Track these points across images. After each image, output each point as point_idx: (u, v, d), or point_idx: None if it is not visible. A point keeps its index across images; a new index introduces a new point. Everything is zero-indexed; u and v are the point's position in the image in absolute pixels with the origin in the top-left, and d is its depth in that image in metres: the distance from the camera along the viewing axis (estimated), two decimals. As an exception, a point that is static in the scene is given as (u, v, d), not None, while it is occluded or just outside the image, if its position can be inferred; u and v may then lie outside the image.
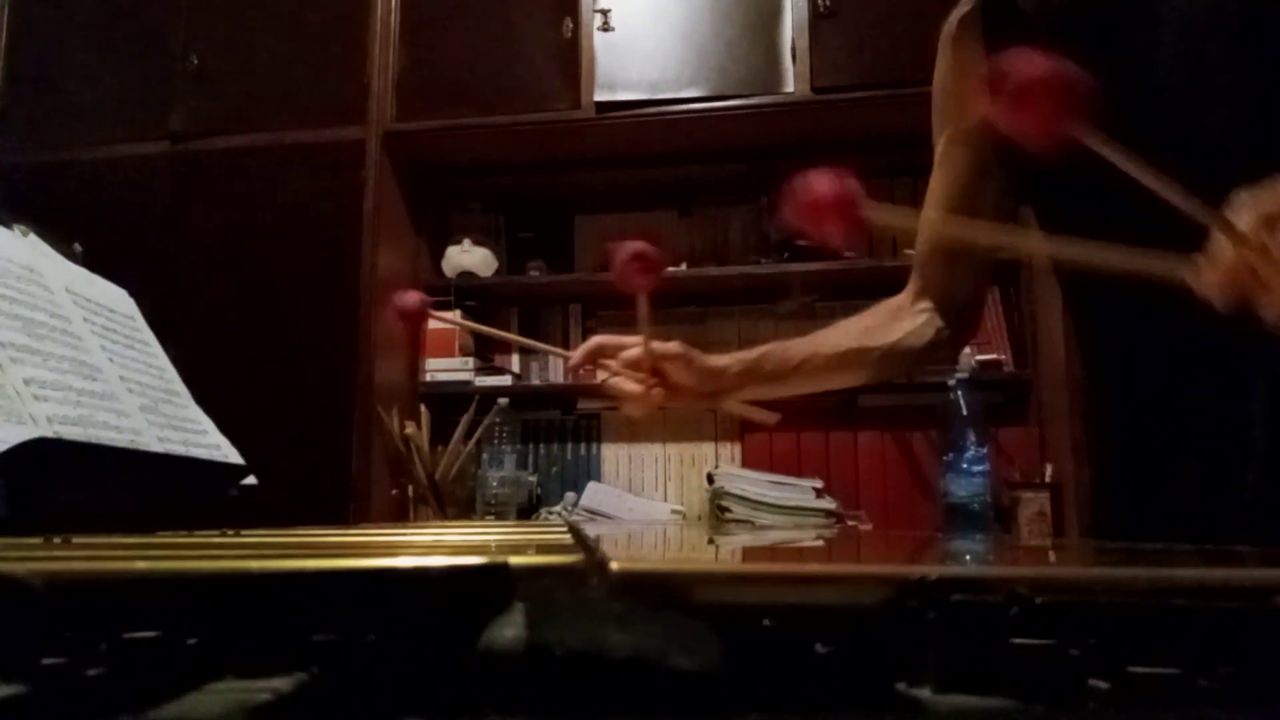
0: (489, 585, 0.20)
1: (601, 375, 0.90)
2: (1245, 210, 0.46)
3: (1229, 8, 0.68)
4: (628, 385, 0.87)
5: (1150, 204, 0.52)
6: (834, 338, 0.96)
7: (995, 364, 2.16)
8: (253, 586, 0.21)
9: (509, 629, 0.19)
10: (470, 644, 0.19)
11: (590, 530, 0.66)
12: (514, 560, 0.21)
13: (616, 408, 2.31)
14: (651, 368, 0.88)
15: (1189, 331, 0.61)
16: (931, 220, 0.94)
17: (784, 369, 0.93)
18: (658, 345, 0.87)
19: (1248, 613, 0.21)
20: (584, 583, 0.21)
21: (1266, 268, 0.44)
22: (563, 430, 2.39)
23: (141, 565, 0.23)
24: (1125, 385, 0.80)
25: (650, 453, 2.34)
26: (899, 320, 0.96)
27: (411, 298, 0.91)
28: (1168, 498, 0.77)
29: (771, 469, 2.13)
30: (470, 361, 2.34)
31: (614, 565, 0.21)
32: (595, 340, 0.92)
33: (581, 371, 2.42)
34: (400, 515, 2.15)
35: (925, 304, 0.96)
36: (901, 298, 1.00)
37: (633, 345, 0.89)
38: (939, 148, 0.95)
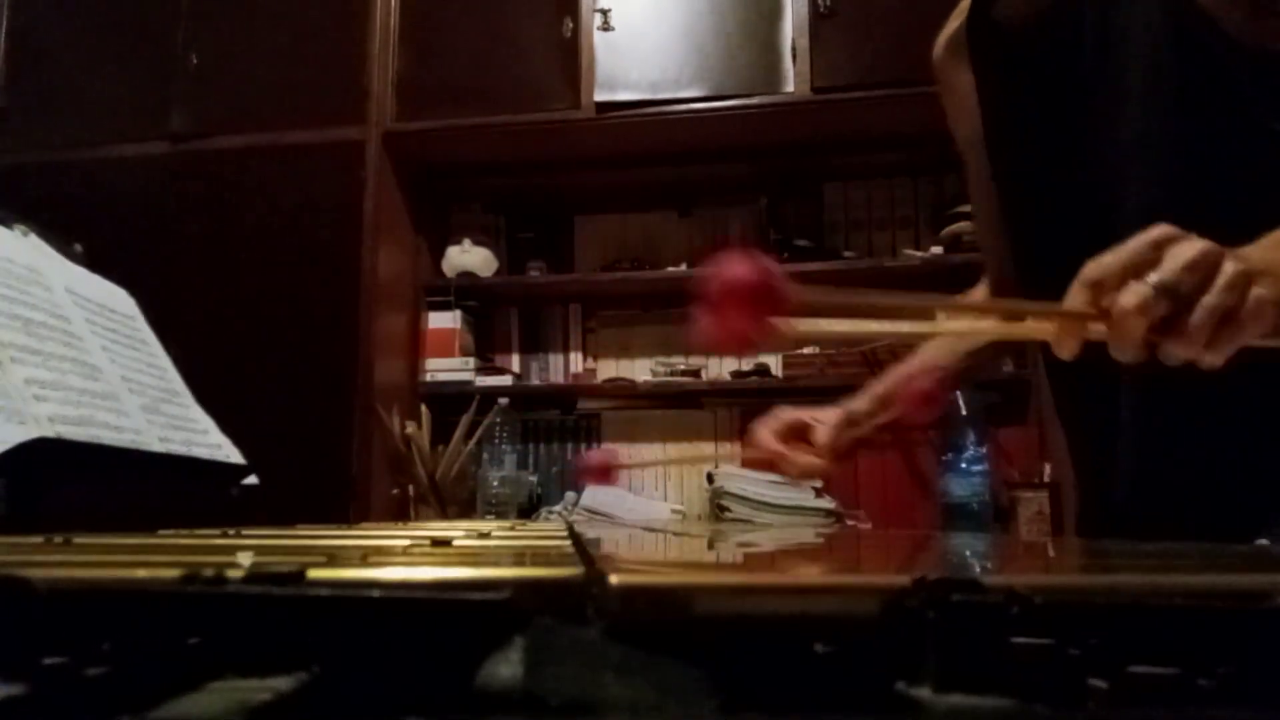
0: (490, 615, 0.20)
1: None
2: (1087, 278, 0.52)
3: (1166, 55, 0.71)
4: (808, 461, 0.89)
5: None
6: (939, 352, 0.99)
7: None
8: (253, 587, 0.21)
9: (505, 668, 0.19)
10: (468, 679, 0.19)
11: (590, 532, 0.66)
12: (512, 574, 0.21)
13: (617, 407, 2.31)
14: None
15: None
16: (984, 217, 0.95)
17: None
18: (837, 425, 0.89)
19: (1247, 613, 0.21)
20: (584, 598, 0.21)
21: (1112, 329, 0.50)
22: (563, 430, 2.39)
23: (142, 573, 0.23)
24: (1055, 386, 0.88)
25: (650, 453, 2.34)
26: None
27: (598, 459, 0.89)
28: (1090, 494, 0.82)
29: (771, 469, 2.13)
30: (470, 361, 2.34)
31: (614, 579, 0.21)
32: (780, 422, 0.92)
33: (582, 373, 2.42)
34: (401, 515, 2.15)
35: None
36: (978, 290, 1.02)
37: (815, 422, 0.90)
38: (964, 154, 0.97)
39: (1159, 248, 0.50)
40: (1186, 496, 0.72)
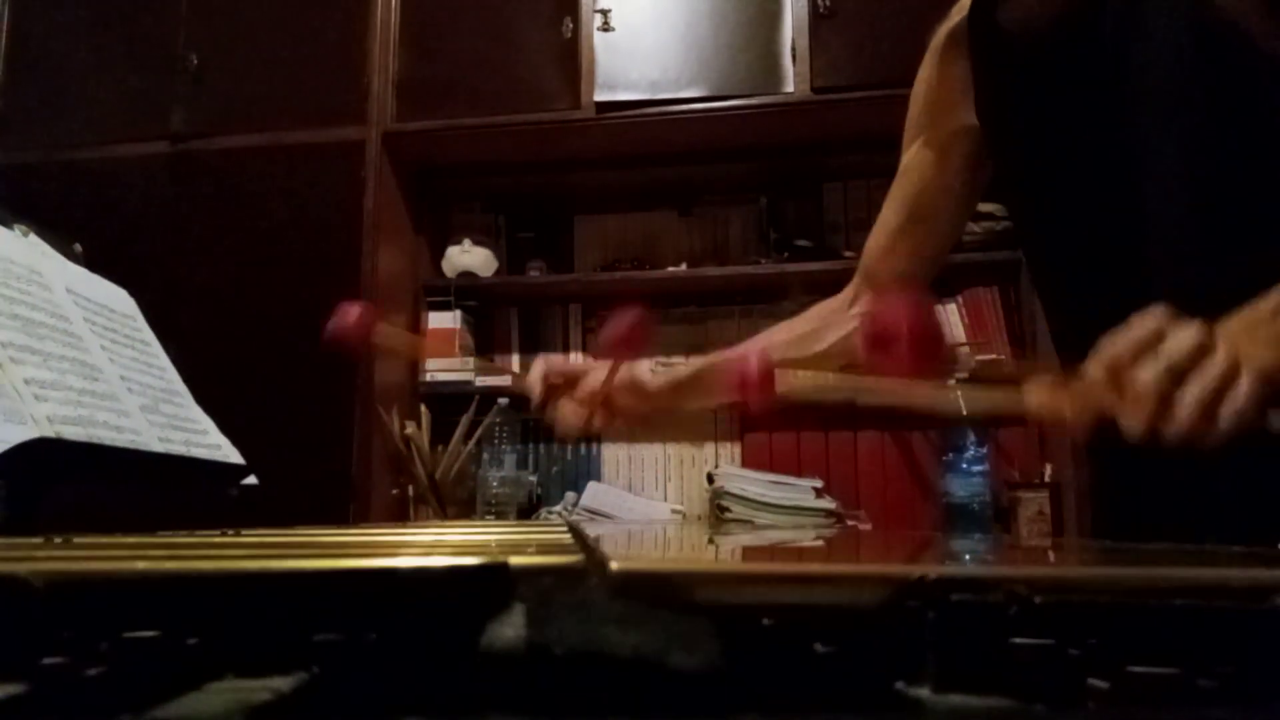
0: (489, 585, 0.20)
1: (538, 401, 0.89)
2: (1106, 358, 0.56)
3: (1188, 61, 0.70)
4: (571, 417, 0.88)
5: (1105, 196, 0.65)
6: (784, 340, 0.97)
7: (995, 363, 2.16)
8: (253, 586, 0.21)
9: (509, 629, 0.19)
10: (471, 643, 0.19)
11: (590, 530, 0.66)
12: (514, 560, 0.21)
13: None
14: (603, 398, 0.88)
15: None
16: (886, 222, 0.96)
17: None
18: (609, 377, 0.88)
19: (1246, 613, 0.21)
20: (584, 582, 0.21)
21: (1130, 405, 0.55)
22: (563, 430, 2.39)
23: (141, 565, 0.23)
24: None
25: (650, 453, 2.34)
26: (831, 327, 0.97)
27: (350, 314, 0.79)
28: (1124, 494, 0.82)
29: (771, 469, 2.13)
30: (470, 361, 2.34)
31: (614, 565, 0.21)
32: (543, 365, 0.91)
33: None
34: (400, 515, 2.15)
35: (861, 309, 0.97)
36: (840, 299, 1.00)
37: (582, 373, 0.89)
38: (908, 152, 0.97)
39: (1160, 329, 0.55)
40: (1209, 500, 0.71)
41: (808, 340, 0.96)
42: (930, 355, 0.53)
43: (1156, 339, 0.55)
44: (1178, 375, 0.54)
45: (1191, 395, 0.53)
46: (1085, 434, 0.58)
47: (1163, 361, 0.54)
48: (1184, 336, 0.55)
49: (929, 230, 0.95)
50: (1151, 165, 0.72)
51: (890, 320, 0.53)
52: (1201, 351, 0.54)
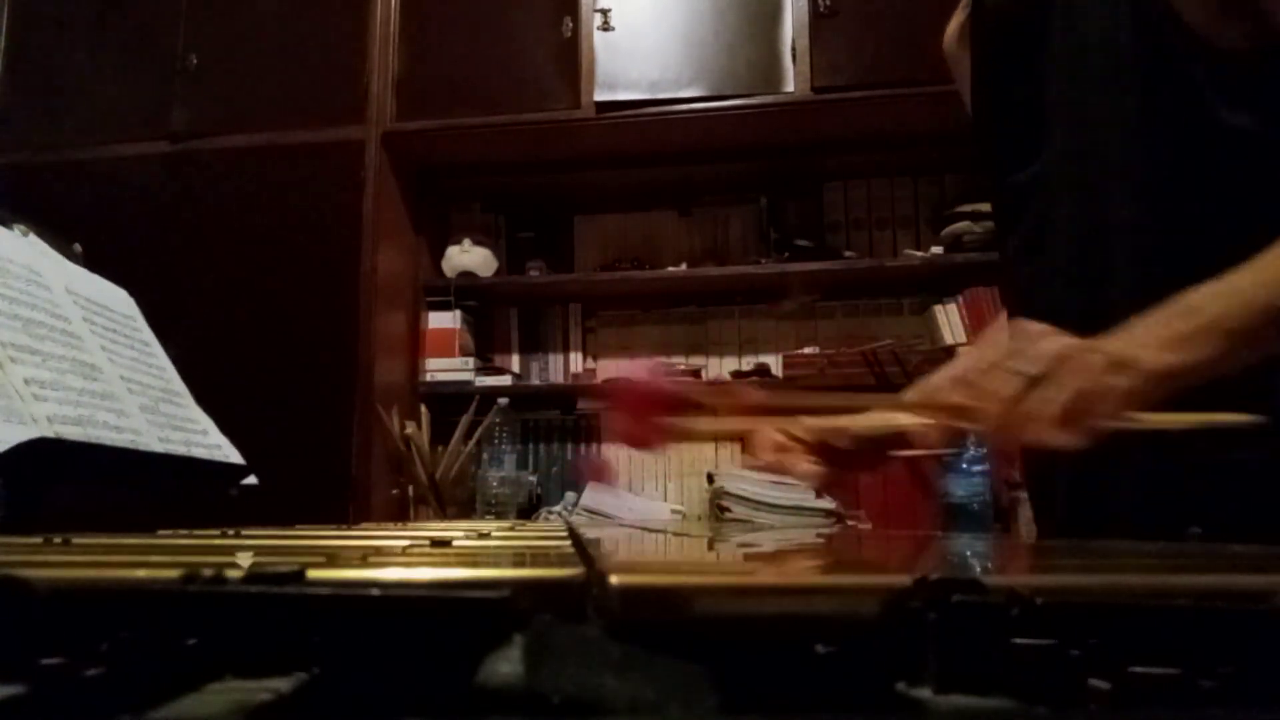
0: (489, 614, 0.20)
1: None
2: (959, 377, 0.60)
3: (1125, 44, 0.71)
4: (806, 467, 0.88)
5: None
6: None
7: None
8: (253, 587, 0.21)
9: (506, 665, 0.19)
10: (468, 676, 0.19)
11: (590, 532, 0.66)
12: (513, 574, 0.21)
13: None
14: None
15: None
16: None
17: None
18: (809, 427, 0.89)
19: (1248, 614, 0.21)
20: (584, 598, 0.21)
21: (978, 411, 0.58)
22: (563, 430, 2.39)
23: (141, 574, 0.23)
24: None
25: (650, 453, 2.34)
26: None
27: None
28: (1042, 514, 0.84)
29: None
30: (470, 361, 2.34)
31: (614, 580, 0.21)
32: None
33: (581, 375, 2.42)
34: (400, 515, 2.15)
35: None
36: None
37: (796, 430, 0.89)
38: None
39: (1030, 343, 0.57)
40: (1119, 503, 0.72)
41: None
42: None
43: (1021, 350, 0.57)
44: (1032, 381, 0.55)
45: (1047, 406, 0.55)
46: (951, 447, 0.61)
47: (1015, 369, 0.56)
48: (1047, 344, 0.57)
49: None
50: (1100, 150, 0.73)
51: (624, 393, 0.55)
52: (1061, 360, 0.56)
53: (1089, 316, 0.62)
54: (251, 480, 0.94)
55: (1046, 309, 0.68)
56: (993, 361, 0.58)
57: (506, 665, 0.19)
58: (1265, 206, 0.64)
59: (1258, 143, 0.66)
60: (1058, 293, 0.75)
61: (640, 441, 0.59)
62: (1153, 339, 0.58)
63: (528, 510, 2.21)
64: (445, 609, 0.20)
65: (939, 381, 0.64)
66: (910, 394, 0.68)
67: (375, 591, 0.21)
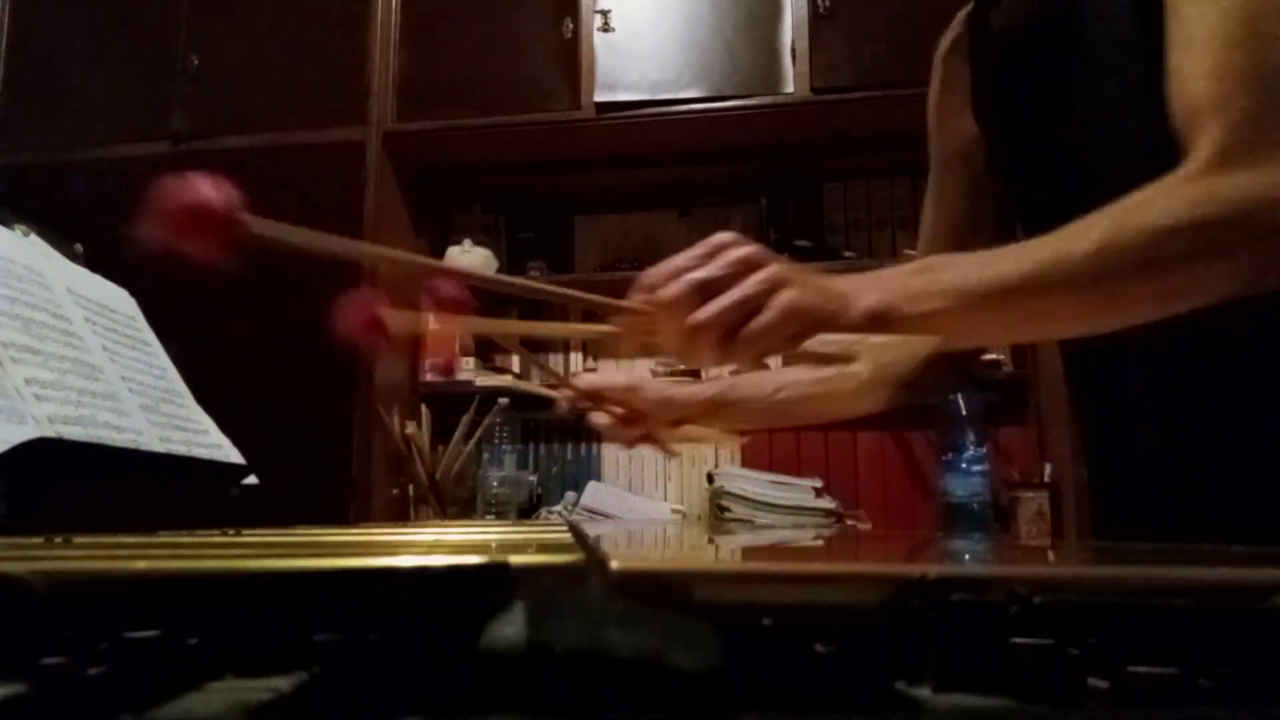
0: (489, 585, 0.20)
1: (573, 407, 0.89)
2: (643, 281, 0.57)
3: (1127, 32, 0.70)
4: (601, 419, 0.88)
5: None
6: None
7: (994, 364, 2.16)
8: (253, 586, 0.21)
9: (509, 628, 0.19)
10: (471, 643, 0.19)
11: (590, 530, 0.66)
12: (514, 559, 0.21)
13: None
14: (619, 401, 0.87)
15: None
16: (920, 248, 0.95)
17: (757, 397, 0.91)
18: (605, 379, 0.88)
19: (1247, 612, 0.21)
20: (584, 582, 0.21)
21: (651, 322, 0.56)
22: (563, 430, 2.39)
23: (141, 565, 0.23)
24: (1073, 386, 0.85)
25: (650, 452, 2.34)
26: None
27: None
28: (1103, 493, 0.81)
29: (771, 468, 2.13)
30: (471, 361, 2.34)
31: (614, 564, 0.21)
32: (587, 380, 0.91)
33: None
34: (400, 515, 2.15)
35: None
36: None
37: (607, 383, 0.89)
38: (932, 175, 0.95)
39: (716, 251, 0.55)
40: (1206, 495, 0.70)
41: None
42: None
43: (705, 258, 0.55)
44: (706, 288, 0.53)
45: (712, 306, 0.53)
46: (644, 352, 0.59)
47: (699, 273, 0.54)
48: (730, 253, 0.55)
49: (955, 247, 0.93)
50: (1106, 140, 0.72)
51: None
52: (738, 268, 0.54)
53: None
54: (252, 480, 0.94)
55: None
56: (676, 268, 0.56)
57: (510, 628, 0.19)
58: None
59: None
60: None
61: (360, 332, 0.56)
62: (875, 279, 0.58)
63: (528, 510, 2.21)
64: (446, 580, 0.20)
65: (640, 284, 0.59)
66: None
67: (374, 584, 0.21)
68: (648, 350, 0.54)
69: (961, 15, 0.89)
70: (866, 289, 0.57)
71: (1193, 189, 0.55)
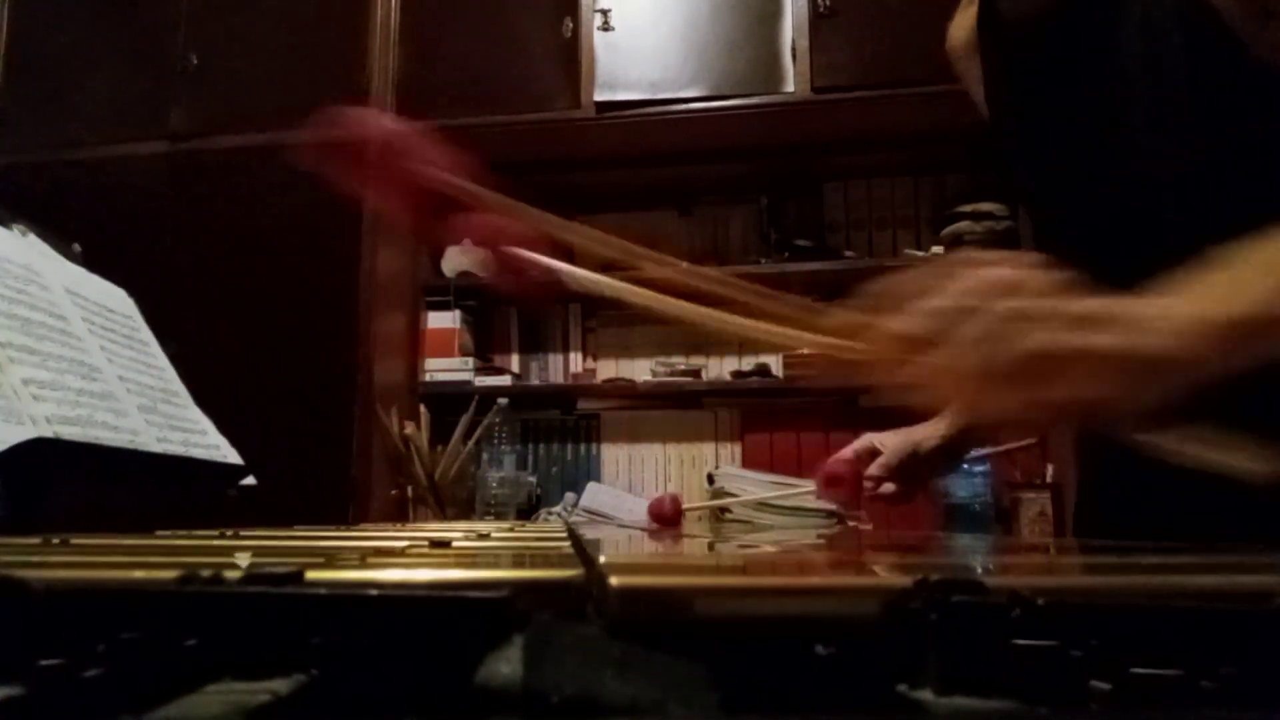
0: (489, 614, 0.20)
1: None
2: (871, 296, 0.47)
3: (1176, 51, 0.69)
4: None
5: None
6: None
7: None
8: (251, 588, 0.21)
9: (505, 665, 0.19)
10: (468, 670, 0.19)
11: (590, 533, 0.66)
12: (513, 575, 0.21)
13: (617, 407, 2.30)
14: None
15: None
16: None
17: None
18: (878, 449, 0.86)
19: (1249, 614, 0.21)
20: (584, 599, 0.21)
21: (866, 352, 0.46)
22: (563, 430, 2.39)
23: (139, 571, 0.23)
24: None
25: (650, 453, 2.34)
26: None
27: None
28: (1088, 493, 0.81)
29: (771, 469, 2.13)
30: (470, 361, 2.34)
31: (614, 580, 0.21)
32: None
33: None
34: (400, 515, 2.15)
35: None
36: None
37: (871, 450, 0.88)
38: None
39: (957, 272, 0.46)
40: (1193, 493, 0.70)
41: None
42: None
43: (946, 280, 0.46)
44: (941, 320, 0.45)
45: (946, 346, 0.44)
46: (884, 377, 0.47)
47: (934, 301, 0.45)
48: (976, 275, 0.45)
49: None
50: (1139, 144, 0.72)
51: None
52: (983, 294, 0.44)
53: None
54: (250, 480, 0.94)
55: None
56: (912, 288, 0.46)
57: (506, 665, 0.19)
58: None
59: None
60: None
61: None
62: (1163, 313, 0.45)
63: (527, 511, 2.21)
64: (445, 609, 0.20)
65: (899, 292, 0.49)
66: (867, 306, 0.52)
67: (374, 592, 0.21)
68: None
69: (965, 3, 0.88)
70: (1175, 303, 0.46)
71: None
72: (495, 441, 2.18)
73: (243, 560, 0.29)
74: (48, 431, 0.67)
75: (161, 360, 0.96)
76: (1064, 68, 0.77)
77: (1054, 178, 0.81)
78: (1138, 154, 0.72)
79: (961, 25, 0.90)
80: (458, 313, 2.35)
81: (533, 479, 2.29)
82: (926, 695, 0.19)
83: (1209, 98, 0.69)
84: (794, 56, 2.09)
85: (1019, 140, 0.84)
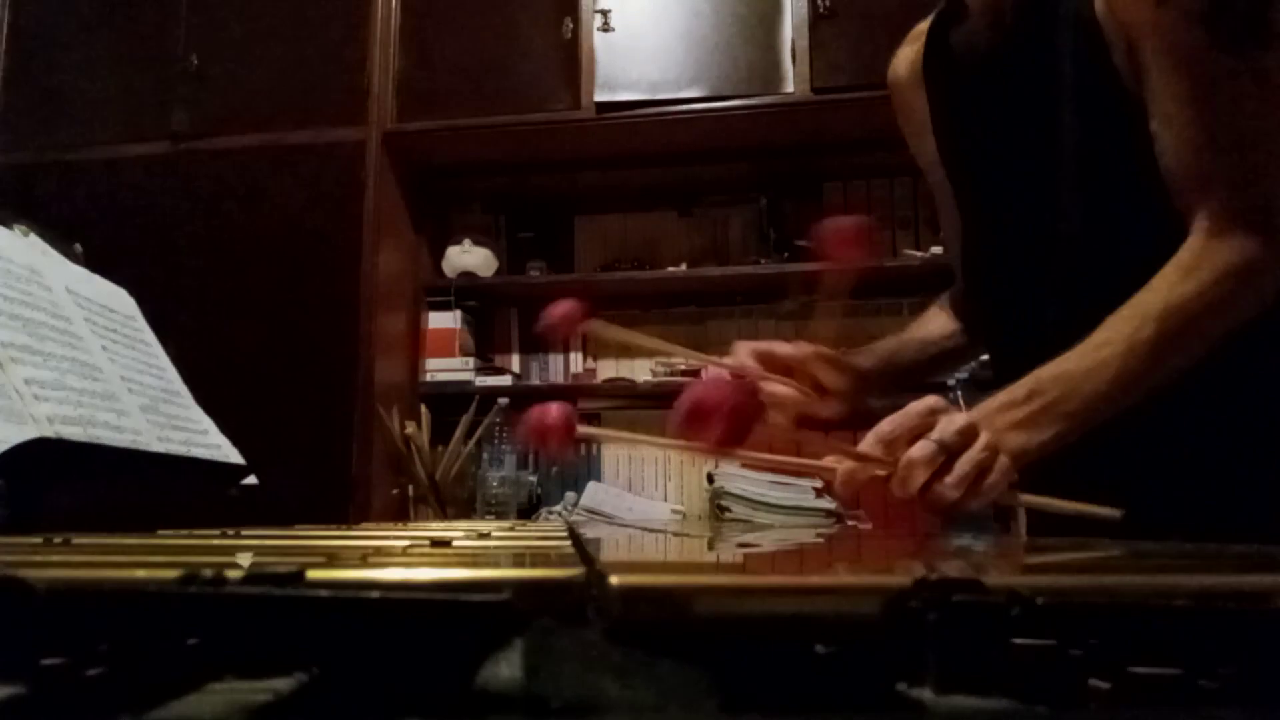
0: (490, 616, 0.20)
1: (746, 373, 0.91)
2: (881, 434, 0.65)
3: (1073, 73, 0.74)
4: (779, 388, 0.90)
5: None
6: (922, 332, 1.02)
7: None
8: (251, 587, 0.21)
9: (505, 669, 0.19)
10: (470, 670, 0.19)
11: (590, 532, 0.66)
12: (513, 574, 0.21)
13: (617, 407, 2.30)
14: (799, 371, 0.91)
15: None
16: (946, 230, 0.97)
17: (920, 359, 1.00)
18: (804, 347, 0.91)
19: (1249, 614, 0.21)
20: (584, 599, 0.21)
21: (900, 474, 0.63)
22: (563, 430, 2.39)
23: (141, 570, 0.23)
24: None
25: (650, 453, 2.34)
26: (933, 319, 1.01)
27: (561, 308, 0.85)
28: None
29: (771, 469, 2.13)
30: (470, 361, 2.34)
31: (614, 580, 0.21)
32: (745, 347, 0.93)
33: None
34: (400, 515, 2.15)
35: (942, 303, 0.99)
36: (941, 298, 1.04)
37: (782, 348, 0.92)
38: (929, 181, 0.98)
39: (933, 414, 0.63)
40: (1182, 491, 0.72)
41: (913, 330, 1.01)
42: (740, 434, 0.59)
43: (929, 421, 0.63)
44: (947, 453, 0.61)
45: (958, 471, 0.61)
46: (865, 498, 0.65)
47: (935, 440, 0.62)
48: (954, 420, 0.63)
49: None
50: (1058, 187, 0.76)
51: (707, 399, 0.58)
52: (966, 435, 0.62)
53: (1060, 326, 0.67)
54: (251, 480, 0.94)
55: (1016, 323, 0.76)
56: (911, 428, 0.64)
57: (506, 669, 0.19)
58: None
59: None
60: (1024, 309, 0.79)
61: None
62: (1004, 422, 0.64)
63: (528, 510, 2.21)
64: (445, 611, 0.20)
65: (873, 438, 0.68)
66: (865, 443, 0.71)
67: (375, 593, 0.21)
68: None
69: (920, 29, 0.89)
70: (1003, 432, 0.64)
71: (1200, 265, 0.65)
72: (496, 441, 2.18)
73: (244, 560, 0.29)
74: (49, 431, 0.68)
75: (163, 360, 0.96)
76: (1006, 108, 0.79)
77: (986, 210, 0.83)
78: (1055, 197, 0.74)
79: (906, 58, 0.92)
80: (458, 313, 2.35)
81: (533, 478, 2.29)
82: (926, 694, 0.19)
83: (1110, 157, 0.73)
84: (794, 57, 2.09)
85: (958, 169, 0.86)
